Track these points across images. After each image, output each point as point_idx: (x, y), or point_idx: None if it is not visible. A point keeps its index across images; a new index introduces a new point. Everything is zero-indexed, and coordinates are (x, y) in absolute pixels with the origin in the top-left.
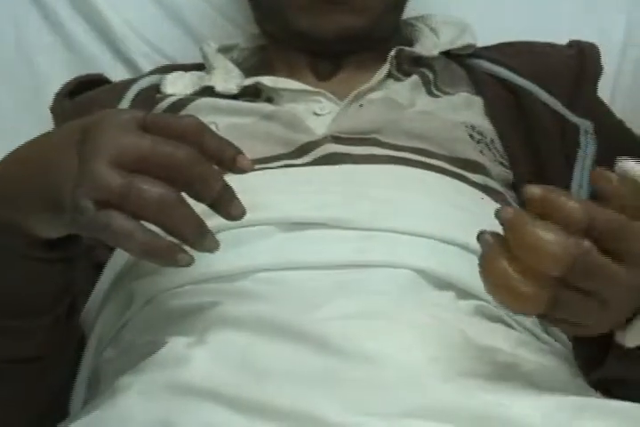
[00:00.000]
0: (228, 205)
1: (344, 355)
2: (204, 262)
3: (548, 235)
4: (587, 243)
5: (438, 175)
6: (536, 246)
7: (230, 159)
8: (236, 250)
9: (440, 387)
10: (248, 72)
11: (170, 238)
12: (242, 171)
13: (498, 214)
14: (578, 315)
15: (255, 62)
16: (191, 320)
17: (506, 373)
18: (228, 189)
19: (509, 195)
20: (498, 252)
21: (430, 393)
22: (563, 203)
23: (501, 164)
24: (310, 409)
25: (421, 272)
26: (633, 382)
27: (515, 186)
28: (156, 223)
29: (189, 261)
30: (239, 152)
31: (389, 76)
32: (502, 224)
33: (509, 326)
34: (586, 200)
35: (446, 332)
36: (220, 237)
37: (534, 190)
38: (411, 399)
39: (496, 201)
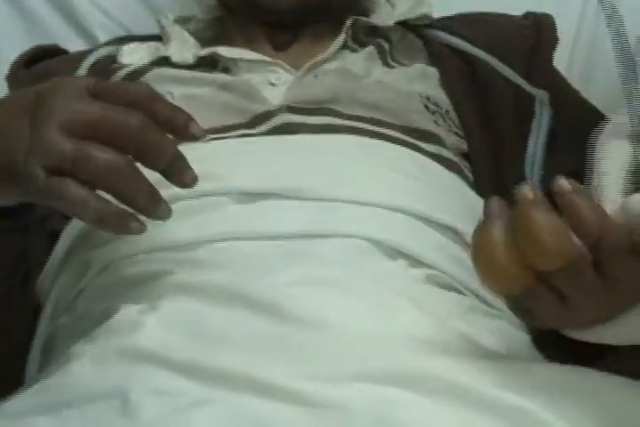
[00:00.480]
0: (180, 173)
1: (295, 321)
2: (159, 231)
3: (554, 233)
4: (587, 255)
5: (392, 145)
6: (537, 238)
7: (182, 126)
8: (191, 220)
9: (389, 352)
10: (205, 43)
11: (124, 207)
12: (194, 138)
13: (517, 189)
14: (540, 310)
15: (213, 34)
16: (145, 288)
17: (455, 338)
18: (180, 157)
19: (464, 165)
20: (498, 224)
21: (379, 358)
22: (583, 210)
23: (456, 134)
24: (261, 375)
25: (374, 242)
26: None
27: (469, 156)
28: (107, 190)
29: (141, 229)
30: (191, 119)
31: (345, 46)
32: (517, 201)
33: (461, 293)
34: (605, 213)
35: (397, 299)
36: (175, 206)
37: (564, 185)
38: (359, 364)
39: (450, 170)
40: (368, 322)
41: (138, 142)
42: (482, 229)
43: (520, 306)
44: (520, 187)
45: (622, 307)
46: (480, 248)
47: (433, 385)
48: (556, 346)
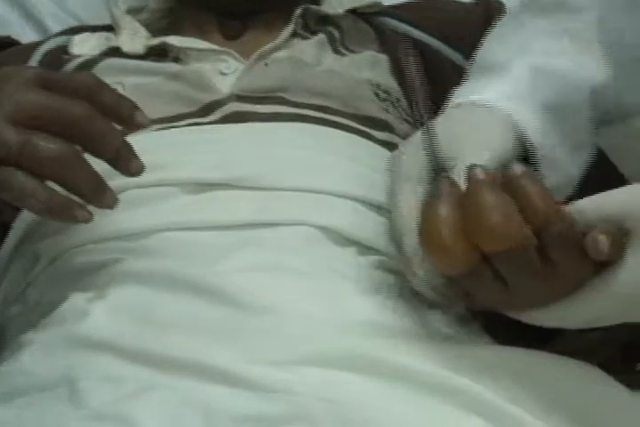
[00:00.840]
0: (126, 161)
1: (243, 306)
2: (109, 222)
3: (502, 214)
4: (533, 240)
5: (342, 132)
6: (485, 219)
7: (127, 115)
8: (140, 210)
9: (337, 336)
10: (157, 33)
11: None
12: (140, 126)
13: (468, 169)
14: (480, 291)
15: (165, 24)
16: (93, 277)
17: (402, 321)
18: (126, 145)
19: None
20: (446, 202)
21: (327, 342)
22: (532, 195)
23: (407, 121)
24: (207, 360)
25: (323, 229)
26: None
27: None
28: (53, 180)
29: (88, 218)
30: (136, 108)
31: (295, 35)
32: (468, 180)
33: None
34: (555, 200)
35: (344, 284)
36: (124, 197)
37: (515, 169)
38: (307, 348)
39: None
40: (314, 307)
41: (83, 131)
42: (430, 207)
43: (460, 286)
44: (471, 167)
45: (561, 293)
46: (427, 225)
47: (379, 368)
48: (506, 330)
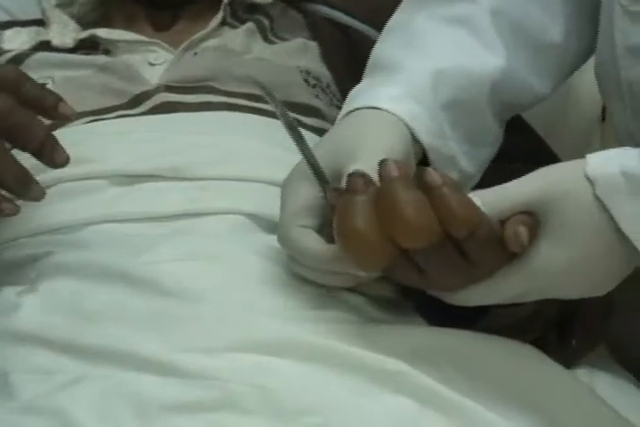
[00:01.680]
0: (51, 153)
1: (172, 295)
2: (40, 215)
3: (418, 212)
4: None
5: (271, 120)
6: (401, 217)
7: (51, 107)
8: (70, 203)
9: (264, 321)
10: (88, 26)
11: None
12: (64, 118)
13: (381, 165)
14: (399, 279)
15: (95, 16)
16: (24, 270)
17: (333, 305)
18: (50, 137)
19: None
20: (361, 199)
21: (255, 327)
22: (454, 203)
23: (338, 107)
24: (138, 350)
25: (252, 216)
26: None
27: None
28: None
29: (15, 211)
30: (60, 100)
31: (224, 23)
32: (381, 177)
33: None
34: (474, 207)
35: (274, 270)
36: (54, 190)
37: (434, 178)
38: (237, 334)
39: None
40: (243, 293)
41: (6, 124)
42: (345, 204)
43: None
44: (384, 163)
45: (479, 278)
46: (342, 223)
47: (310, 352)
48: (439, 310)
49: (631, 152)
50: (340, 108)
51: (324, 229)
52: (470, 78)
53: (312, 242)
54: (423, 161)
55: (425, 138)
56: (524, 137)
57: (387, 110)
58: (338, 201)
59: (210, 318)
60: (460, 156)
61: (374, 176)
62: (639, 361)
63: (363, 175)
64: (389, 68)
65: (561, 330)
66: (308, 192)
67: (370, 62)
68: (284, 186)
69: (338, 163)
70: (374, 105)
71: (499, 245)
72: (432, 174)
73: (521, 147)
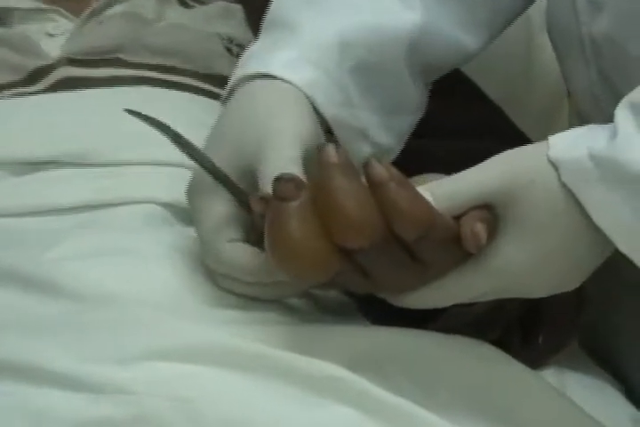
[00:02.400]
0: None
1: (79, 298)
2: None
3: (360, 207)
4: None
5: (189, 95)
6: (341, 213)
7: None
8: None
9: (183, 325)
10: None
11: None
12: None
13: (319, 149)
14: (343, 286)
15: None
16: None
17: (261, 304)
18: None
19: None
20: (292, 204)
21: (172, 332)
22: (404, 201)
23: None
24: (42, 361)
25: (168, 206)
26: None
27: None
28: None
29: None
30: None
31: None
32: (319, 164)
33: None
34: (425, 203)
35: (193, 266)
36: None
37: (380, 173)
38: (149, 340)
39: None
40: (159, 294)
41: None
42: (277, 213)
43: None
44: (323, 147)
45: (432, 280)
46: (276, 233)
47: (236, 358)
48: (384, 309)
49: (599, 131)
50: None
51: (252, 240)
52: (382, 37)
53: (249, 256)
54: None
55: (327, 108)
56: (484, 111)
57: (281, 78)
58: (267, 210)
59: (120, 323)
60: (373, 127)
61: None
62: (618, 357)
63: (292, 179)
64: (286, 28)
65: (526, 327)
66: (221, 203)
67: (266, 19)
68: (190, 200)
69: (245, 164)
70: (266, 71)
71: (452, 243)
72: (376, 168)
73: (481, 122)
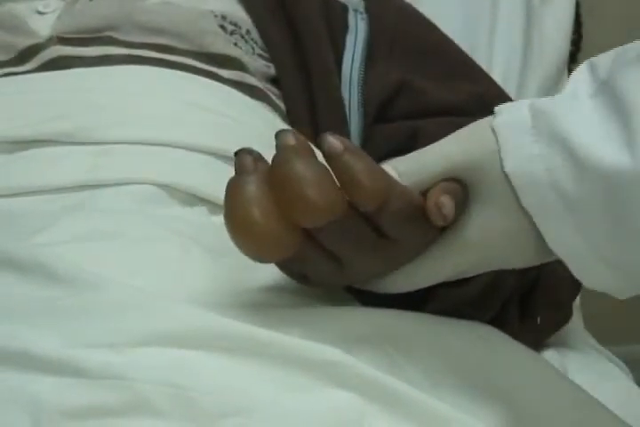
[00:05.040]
0: None
1: (70, 283)
2: None
3: (317, 184)
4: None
5: (183, 74)
6: (298, 191)
7: None
8: None
9: (176, 309)
10: None
11: None
12: None
13: (277, 135)
14: (313, 272)
15: None
16: None
17: (256, 287)
18: None
19: (271, 91)
20: (252, 179)
21: (166, 317)
22: (359, 175)
23: (260, 56)
24: (33, 347)
25: (165, 187)
26: None
27: (276, 80)
28: None
29: None
30: None
31: None
32: (277, 148)
33: None
34: (383, 175)
35: (190, 249)
36: None
37: (335, 145)
38: (142, 325)
39: (255, 99)
40: (153, 278)
41: None
42: (233, 187)
43: (290, 269)
44: (281, 133)
45: (405, 260)
46: (232, 209)
47: (229, 342)
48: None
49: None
50: (263, 57)
51: None
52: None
53: None
54: None
55: None
56: (483, 86)
57: None
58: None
59: (112, 308)
60: None
61: None
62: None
63: (250, 152)
64: None
65: (524, 307)
66: None
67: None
68: None
69: None
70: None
71: (422, 219)
72: (330, 140)
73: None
